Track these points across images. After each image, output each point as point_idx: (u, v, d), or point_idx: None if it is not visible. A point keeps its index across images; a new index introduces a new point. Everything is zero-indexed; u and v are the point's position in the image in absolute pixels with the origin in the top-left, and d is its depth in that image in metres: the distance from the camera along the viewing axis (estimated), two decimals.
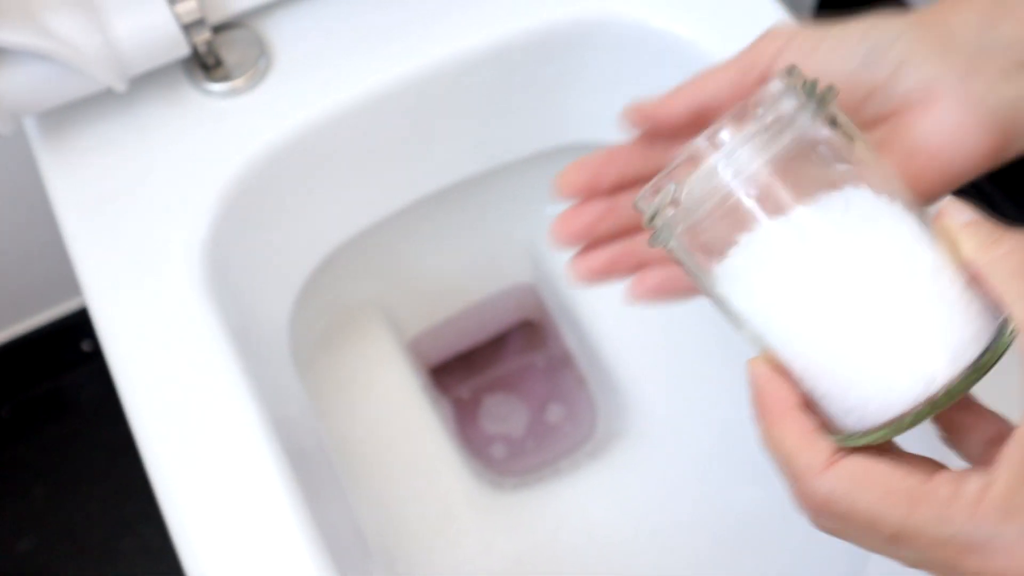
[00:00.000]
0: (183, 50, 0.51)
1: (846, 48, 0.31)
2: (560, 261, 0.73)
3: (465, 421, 0.77)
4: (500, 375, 0.80)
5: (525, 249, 0.76)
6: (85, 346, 1.03)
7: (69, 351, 1.03)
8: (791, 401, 0.28)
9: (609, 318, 0.69)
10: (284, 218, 0.55)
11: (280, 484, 0.44)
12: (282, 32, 0.55)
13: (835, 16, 0.33)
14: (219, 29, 0.54)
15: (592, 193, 0.36)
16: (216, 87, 0.54)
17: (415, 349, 0.76)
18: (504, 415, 0.78)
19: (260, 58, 0.54)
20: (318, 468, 0.53)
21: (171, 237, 0.50)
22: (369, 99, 0.54)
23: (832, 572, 0.54)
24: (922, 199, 0.30)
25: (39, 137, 0.53)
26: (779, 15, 0.53)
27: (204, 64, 0.54)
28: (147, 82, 0.53)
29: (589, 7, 0.55)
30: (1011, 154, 0.31)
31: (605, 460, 0.65)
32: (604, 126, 0.63)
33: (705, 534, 0.60)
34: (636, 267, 0.36)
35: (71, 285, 0.96)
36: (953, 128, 0.30)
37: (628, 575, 0.59)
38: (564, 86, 0.59)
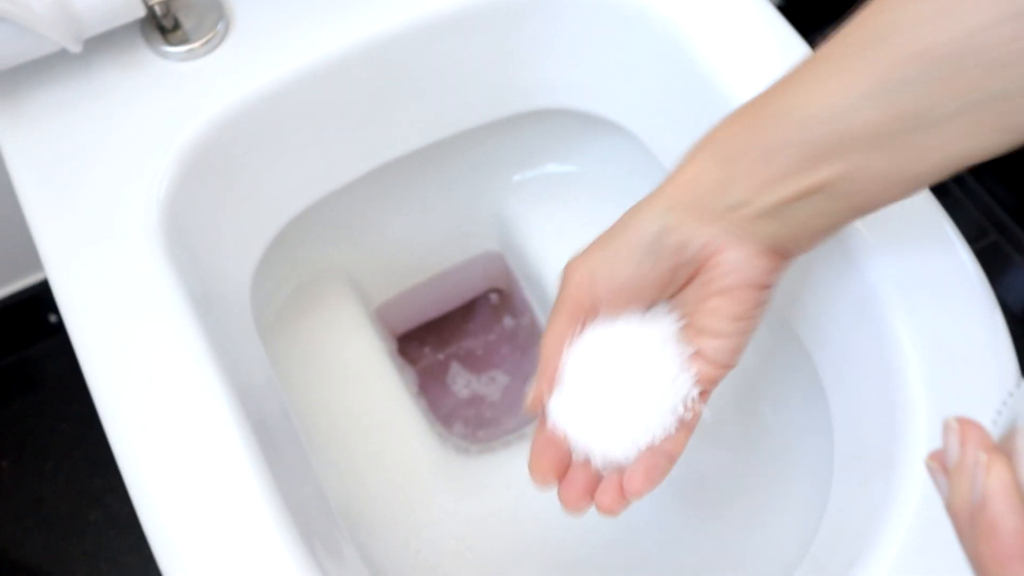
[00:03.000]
0: (138, 11, 0.51)
1: (631, 254, 0.39)
2: (527, 229, 0.73)
3: (432, 388, 0.77)
4: (468, 342, 0.80)
5: (492, 217, 0.76)
6: (52, 318, 1.02)
7: (36, 323, 1.02)
8: None
9: None
10: (244, 183, 0.54)
11: (244, 453, 0.43)
12: None
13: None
14: None
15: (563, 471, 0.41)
16: (173, 50, 0.53)
17: (382, 316, 0.76)
18: (471, 382, 0.78)
19: (219, 21, 0.54)
20: (283, 437, 0.52)
21: (129, 201, 0.49)
22: (328, 64, 0.54)
23: (788, 532, 0.55)
24: (755, 318, 0.39)
25: None
26: None
27: (161, 26, 0.53)
28: (103, 44, 0.53)
29: None
30: (791, 261, 0.40)
31: None
32: (568, 92, 0.63)
33: (667, 496, 0.61)
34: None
35: (37, 257, 0.95)
36: (743, 261, 0.38)
37: (590, 538, 0.60)
38: (527, 52, 0.59)
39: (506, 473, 0.63)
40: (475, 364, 0.79)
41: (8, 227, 0.89)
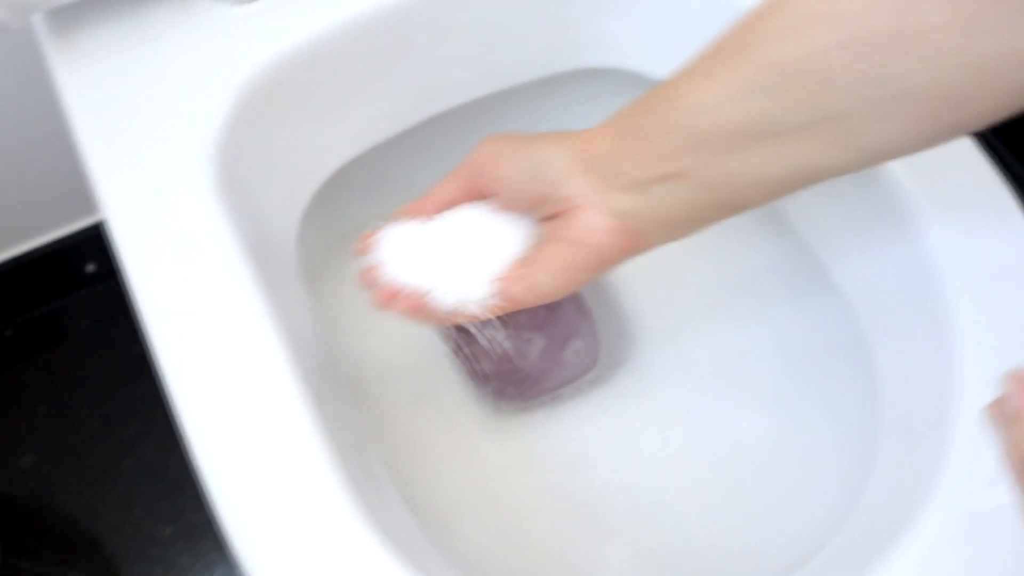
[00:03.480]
0: None
1: (520, 165, 0.43)
2: None
3: (468, 346, 0.77)
4: None
5: None
6: (89, 268, 1.03)
7: (73, 273, 1.03)
8: None
9: None
10: (293, 128, 0.54)
11: (297, 398, 0.43)
12: None
13: None
14: None
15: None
16: None
17: None
18: (501, 346, 0.78)
19: None
20: (330, 387, 0.53)
21: (184, 142, 0.49)
22: (381, 12, 0.53)
23: (828, 498, 0.55)
24: (582, 277, 0.42)
25: (49, 37, 0.52)
26: None
27: None
28: None
29: None
30: (642, 249, 0.42)
31: (607, 388, 0.66)
32: (621, 52, 0.62)
33: (705, 460, 0.61)
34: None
35: (77, 205, 0.96)
36: (594, 228, 0.40)
37: (627, 499, 0.60)
38: (583, 7, 0.59)
39: (543, 431, 0.63)
40: (513, 325, 0.79)
41: (49, 175, 0.90)
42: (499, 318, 0.75)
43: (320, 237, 0.67)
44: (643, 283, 0.68)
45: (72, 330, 1.06)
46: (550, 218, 0.43)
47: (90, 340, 1.05)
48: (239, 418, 0.43)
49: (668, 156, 0.38)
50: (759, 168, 0.37)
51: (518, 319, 0.79)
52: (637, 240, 0.41)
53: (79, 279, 1.04)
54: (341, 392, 0.53)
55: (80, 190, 0.93)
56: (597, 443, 0.63)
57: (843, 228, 0.53)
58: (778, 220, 0.59)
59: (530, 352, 0.77)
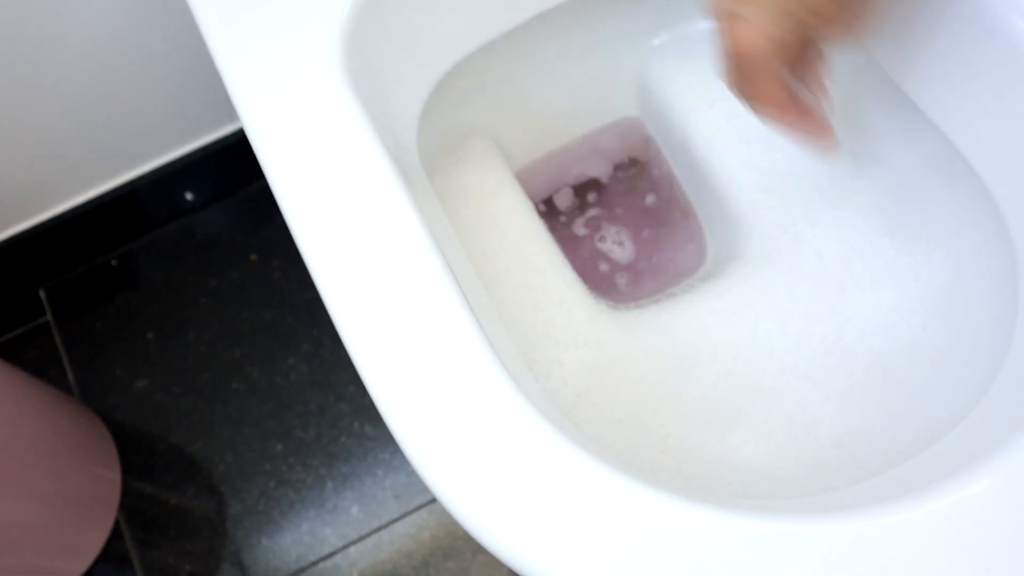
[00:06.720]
0: None
1: None
2: (670, 92, 0.72)
3: (569, 253, 0.78)
4: (603, 210, 0.81)
5: (632, 81, 0.75)
6: (188, 196, 1.06)
7: (173, 201, 1.06)
8: None
9: (721, 148, 0.69)
10: (413, 21, 0.55)
11: (447, 286, 0.44)
12: None
13: None
14: None
15: None
16: None
17: (521, 182, 0.76)
18: (610, 248, 0.79)
19: None
20: (470, 284, 0.53)
21: (312, 32, 0.50)
22: None
23: (957, 395, 0.55)
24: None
25: None
26: None
27: None
28: None
29: None
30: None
31: (720, 282, 0.66)
32: None
33: (825, 351, 0.61)
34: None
35: (175, 134, 0.98)
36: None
37: (749, 387, 0.61)
38: None
39: (660, 323, 0.64)
40: (611, 228, 0.79)
41: (147, 106, 0.92)
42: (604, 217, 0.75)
43: (428, 142, 0.68)
44: (752, 178, 0.67)
45: (175, 258, 1.09)
46: None
47: (191, 267, 1.08)
48: (391, 308, 0.44)
49: None
50: None
51: (618, 216, 0.80)
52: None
53: (179, 208, 1.07)
54: (473, 280, 0.54)
55: (176, 119, 0.96)
56: (714, 336, 0.63)
57: (978, 108, 0.52)
58: (901, 103, 0.58)
59: (630, 252, 0.77)
